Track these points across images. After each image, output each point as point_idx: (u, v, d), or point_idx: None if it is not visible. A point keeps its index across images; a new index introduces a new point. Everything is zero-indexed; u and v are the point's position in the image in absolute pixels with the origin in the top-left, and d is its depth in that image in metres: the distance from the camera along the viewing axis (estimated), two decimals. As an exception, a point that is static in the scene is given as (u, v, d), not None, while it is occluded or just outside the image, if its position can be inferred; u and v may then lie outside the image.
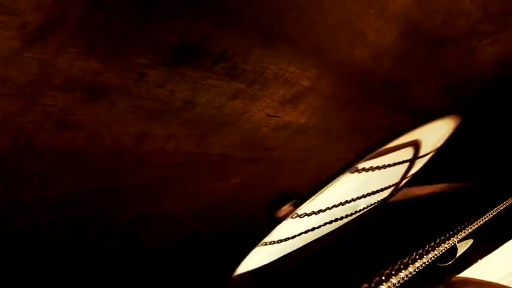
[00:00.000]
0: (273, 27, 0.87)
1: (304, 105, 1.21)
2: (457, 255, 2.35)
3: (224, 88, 0.95)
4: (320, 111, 1.30)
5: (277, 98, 1.11)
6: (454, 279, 2.54)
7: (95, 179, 0.95)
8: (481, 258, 2.85)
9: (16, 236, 0.93)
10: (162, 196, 1.18)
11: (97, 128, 0.83)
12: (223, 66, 0.89)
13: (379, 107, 1.54)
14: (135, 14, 0.67)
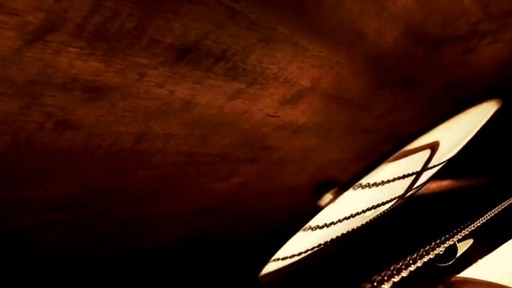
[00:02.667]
0: (273, 27, 0.87)
1: (304, 105, 1.21)
2: (457, 255, 2.35)
3: (224, 88, 0.95)
4: (320, 111, 1.30)
5: (277, 98, 1.11)
6: (454, 279, 2.54)
7: (95, 179, 0.95)
8: (481, 258, 2.85)
9: (16, 236, 0.93)
10: (162, 196, 1.18)
11: (97, 128, 0.83)
12: (223, 66, 0.89)
13: (379, 107, 1.54)
14: (135, 14, 0.67)
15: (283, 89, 1.09)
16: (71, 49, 0.65)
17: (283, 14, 0.85)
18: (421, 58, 1.36)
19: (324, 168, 1.72)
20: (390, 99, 1.53)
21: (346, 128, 1.54)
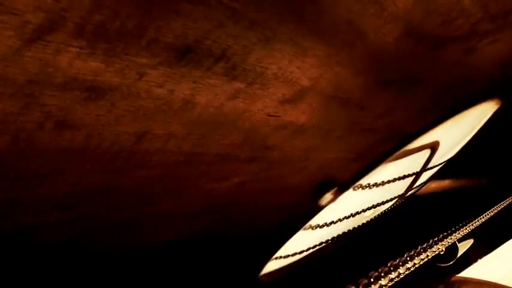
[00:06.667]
0: (273, 27, 0.87)
1: (304, 105, 1.21)
2: (458, 255, 2.35)
3: (224, 88, 0.95)
4: (320, 111, 1.30)
5: (277, 98, 1.11)
6: (454, 279, 2.54)
7: (94, 178, 0.95)
8: (481, 258, 2.85)
9: (16, 236, 0.93)
10: (162, 196, 1.18)
11: (97, 128, 0.83)
12: (223, 66, 0.89)
13: (379, 107, 1.54)
14: (135, 13, 0.67)
15: (283, 89, 1.09)
16: (71, 49, 0.65)
17: (283, 14, 0.85)
18: (421, 58, 1.36)
19: (324, 168, 1.72)
20: (390, 99, 1.53)
21: (346, 128, 1.54)
